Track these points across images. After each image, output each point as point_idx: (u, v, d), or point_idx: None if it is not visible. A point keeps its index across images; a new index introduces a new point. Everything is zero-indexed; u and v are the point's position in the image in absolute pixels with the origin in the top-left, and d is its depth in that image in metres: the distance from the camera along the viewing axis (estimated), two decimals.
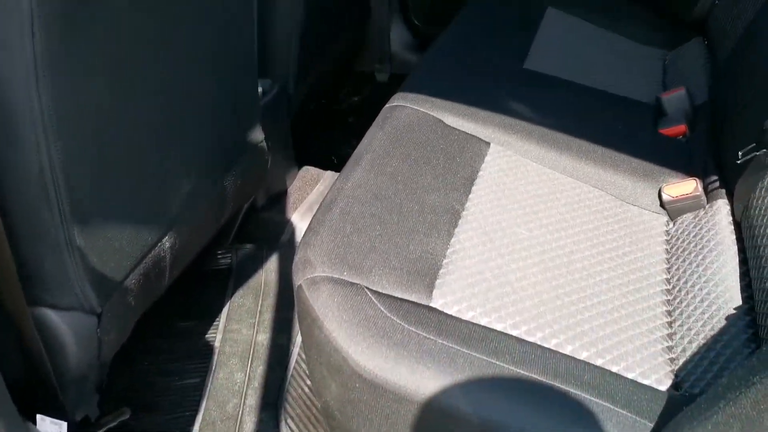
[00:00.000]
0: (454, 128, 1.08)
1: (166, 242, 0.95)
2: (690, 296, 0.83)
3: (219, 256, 1.33)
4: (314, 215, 0.89)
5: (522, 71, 1.30)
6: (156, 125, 0.85)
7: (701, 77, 1.31)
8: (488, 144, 1.07)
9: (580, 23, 1.54)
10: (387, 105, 1.13)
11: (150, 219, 0.90)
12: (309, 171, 1.52)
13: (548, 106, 1.18)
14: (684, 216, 0.97)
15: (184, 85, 0.90)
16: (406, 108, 1.10)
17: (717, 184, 0.98)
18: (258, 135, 1.16)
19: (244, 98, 1.11)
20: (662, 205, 1.00)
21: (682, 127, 1.15)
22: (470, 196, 0.96)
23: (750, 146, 0.89)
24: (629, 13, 1.63)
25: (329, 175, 1.50)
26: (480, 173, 1.01)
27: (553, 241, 0.91)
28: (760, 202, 0.85)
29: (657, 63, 1.45)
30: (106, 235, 0.82)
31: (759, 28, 1.07)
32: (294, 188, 1.48)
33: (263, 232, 1.38)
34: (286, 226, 1.39)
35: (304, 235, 0.86)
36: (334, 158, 1.69)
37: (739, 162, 0.90)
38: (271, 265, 1.31)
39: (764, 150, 0.85)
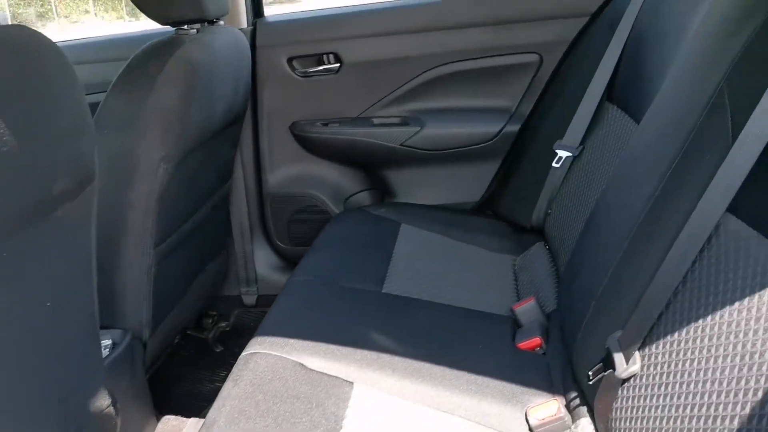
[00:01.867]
0: (315, 371, 1.04)
1: None
2: None
3: None
4: None
5: (381, 296, 1.31)
6: None
7: (548, 283, 1.39)
8: (352, 384, 1.03)
9: (433, 237, 1.63)
10: (243, 353, 1.08)
11: None
12: (169, 422, 1.40)
13: (409, 332, 1.18)
14: None
15: (6, 372, 0.80)
16: (263, 355, 1.06)
17: (578, 401, 0.99)
18: (102, 401, 1.06)
19: (82, 365, 1.01)
20: (530, 429, 0.99)
21: (537, 340, 1.18)
22: None
23: (597, 365, 0.92)
24: (478, 224, 1.75)
25: (192, 425, 1.38)
26: (344, 422, 0.95)
27: None
28: (619, 423, 0.85)
29: (508, 270, 1.54)
30: None
31: (587, 246, 1.16)
32: None
33: None
34: None
35: None
36: (199, 400, 1.57)
37: (590, 382, 0.92)
38: None
39: (611, 370, 0.88)
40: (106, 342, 1.24)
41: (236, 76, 1.51)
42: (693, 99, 0.91)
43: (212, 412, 0.93)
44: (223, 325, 1.96)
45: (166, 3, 1.29)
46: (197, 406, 1.53)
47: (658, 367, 0.81)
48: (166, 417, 1.40)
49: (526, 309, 1.27)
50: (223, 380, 0.99)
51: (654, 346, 0.83)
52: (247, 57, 1.60)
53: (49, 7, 16.30)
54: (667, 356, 0.80)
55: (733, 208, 0.76)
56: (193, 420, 1.39)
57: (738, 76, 0.83)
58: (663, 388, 0.79)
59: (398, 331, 1.17)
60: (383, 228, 1.64)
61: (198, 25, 1.38)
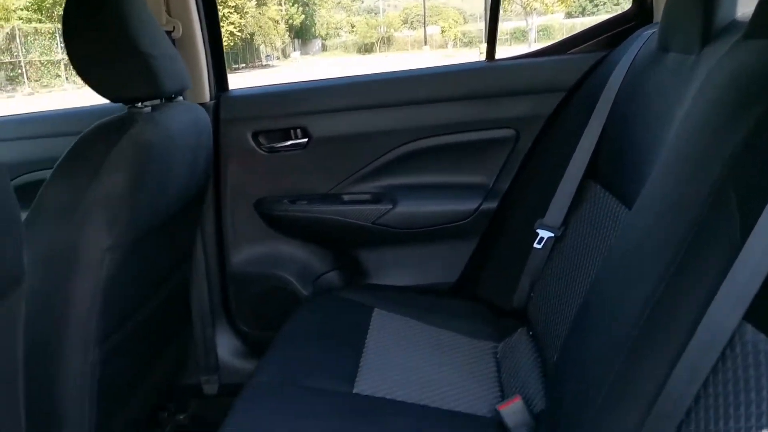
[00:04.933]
0: None
1: None
2: None
3: None
4: None
5: (351, 398, 1.18)
6: None
7: (534, 377, 1.27)
8: None
9: (408, 323, 1.51)
10: None
11: None
12: None
13: None
14: None
15: None
16: None
17: None
18: None
19: None
20: None
21: None
22: None
23: None
24: (455, 307, 1.64)
25: None
26: None
27: None
28: None
29: (490, 359, 1.42)
30: None
31: (577, 350, 1.06)
32: None
33: None
34: None
35: None
36: None
37: None
38: None
39: None
40: None
41: (195, 155, 1.41)
42: (691, 192, 0.83)
43: None
44: (181, 418, 1.80)
45: (118, 80, 1.18)
46: None
47: None
48: None
49: (513, 410, 1.15)
50: None
51: None
52: (208, 134, 1.50)
53: (19, 71, 16.29)
54: None
55: (751, 317, 0.67)
56: None
57: (741, 169, 0.76)
58: None
59: None
60: (355, 314, 1.52)
61: (154, 101, 1.28)
